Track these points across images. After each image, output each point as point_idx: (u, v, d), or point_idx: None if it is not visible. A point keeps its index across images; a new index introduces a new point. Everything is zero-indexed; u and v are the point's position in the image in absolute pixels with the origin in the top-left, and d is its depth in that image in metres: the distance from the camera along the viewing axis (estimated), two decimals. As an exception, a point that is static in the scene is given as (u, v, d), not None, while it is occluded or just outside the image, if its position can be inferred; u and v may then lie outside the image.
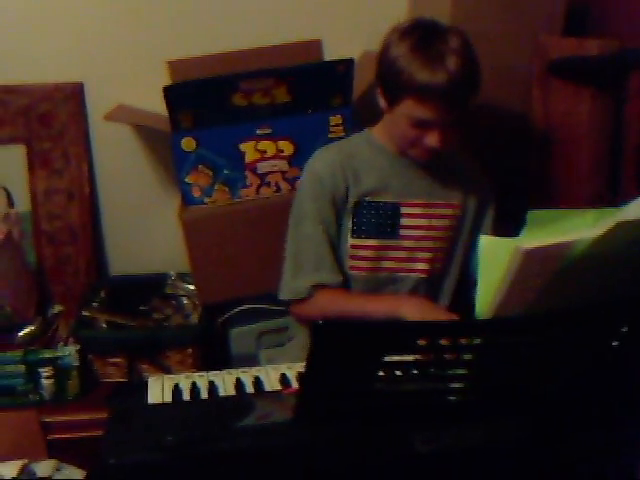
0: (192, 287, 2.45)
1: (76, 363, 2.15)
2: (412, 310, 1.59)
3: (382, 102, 1.76)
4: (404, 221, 1.82)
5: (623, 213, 1.06)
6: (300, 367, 1.54)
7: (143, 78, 2.40)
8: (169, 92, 2.02)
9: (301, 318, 1.87)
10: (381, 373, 1.09)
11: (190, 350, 2.23)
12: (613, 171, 2.12)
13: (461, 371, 1.15)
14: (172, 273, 2.51)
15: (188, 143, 2.12)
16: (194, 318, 2.37)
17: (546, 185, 2.22)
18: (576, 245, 1.00)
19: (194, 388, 1.46)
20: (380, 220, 1.80)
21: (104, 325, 2.28)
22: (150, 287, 2.48)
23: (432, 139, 1.68)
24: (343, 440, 1.15)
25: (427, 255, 1.84)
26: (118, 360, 2.22)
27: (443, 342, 1.07)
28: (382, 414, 1.17)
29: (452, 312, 1.61)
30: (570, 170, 2.17)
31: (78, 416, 2.12)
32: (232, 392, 1.45)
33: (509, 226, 1.87)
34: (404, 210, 1.81)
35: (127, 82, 2.43)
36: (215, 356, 2.32)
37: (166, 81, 2.21)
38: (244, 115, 2.11)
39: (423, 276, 1.84)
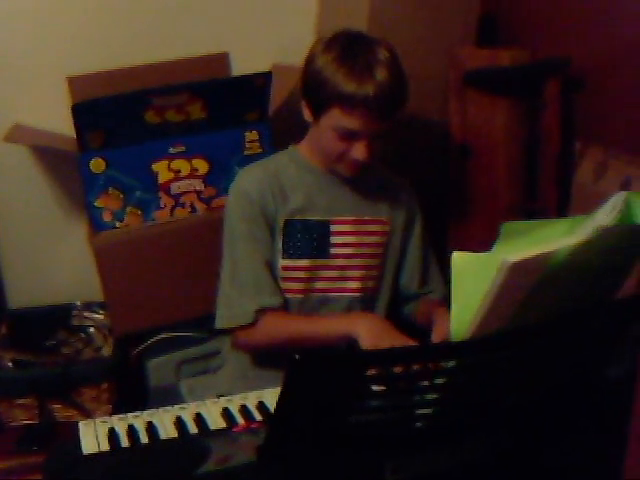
0: (100, 317, 2.34)
1: (-20, 408, 1.98)
2: (366, 330, 1.52)
3: (307, 115, 1.70)
4: (334, 239, 1.76)
5: (596, 219, 1.03)
6: (240, 399, 1.46)
7: (41, 96, 2.26)
8: (77, 110, 1.89)
9: (247, 345, 1.77)
10: (356, 404, 1.02)
11: (105, 385, 2.10)
12: (530, 179, 2.14)
13: (431, 396, 1.10)
14: (77, 303, 2.37)
15: (97, 164, 1.99)
16: (106, 350, 2.23)
17: (465, 194, 2.21)
18: (557, 254, 0.97)
19: (131, 431, 1.35)
20: (310, 239, 1.74)
21: (9, 364, 2.12)
22: (55, 319, 2.34)
23: (359, 152, 1.63)
24: (315, 476, 1.07)
25: (359, 273, 1.78)
26: (27, 401, 2.07)
27: (418, 367, 1.02)
28: (351, 446, 1.11)
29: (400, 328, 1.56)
30: (488, 179, 2.17)
31: (-16, 466, 1.95)
32: (173, 433, 1.34)
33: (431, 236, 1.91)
34: (334, 228, 1.76)
35: (24, 100, 2.27)
36: (132, 390, 2.18)
37: (65, 98, 2.09)
38: (157, 133, 2.01)
39: (356, 295, 1.79)
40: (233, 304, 1.71)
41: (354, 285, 1.78)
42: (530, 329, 1.01)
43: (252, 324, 1.69)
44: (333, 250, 1.75)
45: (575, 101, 2.04)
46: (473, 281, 1.01)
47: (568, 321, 1.04)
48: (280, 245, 1.73)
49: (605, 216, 1.03)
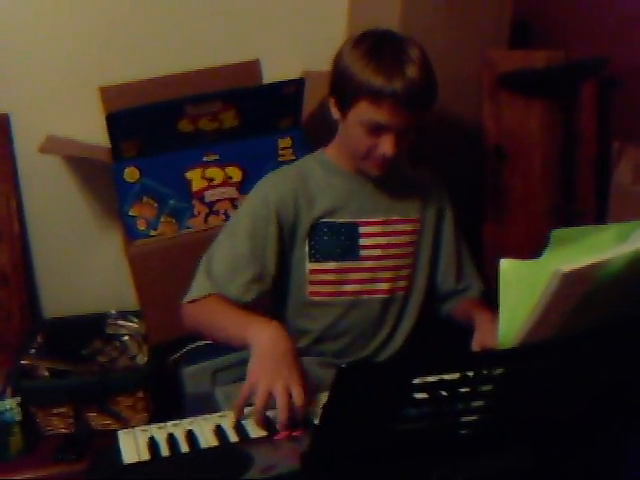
0: (135, 325, 2.34)
1: (18, 417, 1.99)
2: (257, 352, 1.44)
3: (335, 112, 1.68)
4: (363, 241, 1.74)
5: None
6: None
7: (73, 107, 2.28)
8: (112, 120, 1.90)
9: (181, 318, 1.69)
10: (402, 412, 1.01)
11: (141, 394, 2.10)
12: (567, 181, 2.12)
13: (477, 403, 1.08)
14: (112, 312, 2.37)
15: (131, 173, 2.00)
16: (141, 359, 2.24)
17: (501, 197, 2.19)
18: (611, 263, 0.94)
19: (171, 440, 1.34)
20: (338, 242, 1.72)
21: (45, 373, 2.12)
22: (90, 329, 2.34)
23: (386, 146, 1.61)
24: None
25: (389, 274, 1.77)
26: (63, 410, 2.07)
27: (466, 375, 1.00)
28: (397, 454, 1.09)
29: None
30: (524, 182, 2.14)
31: (23, 475, 1.97)
32: (214, 441, 1.33)
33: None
34: (362, 230, 1.74)
35: (56, 111, 2.29)
36: (168, 398, 2.18)
37: (98, 109, 2.10)
38: (190, 142, 2.02)
39: (386, 296, 1.77)
40: (199, 283, 1.66)
41: (385, 286, 1.77)
42: (578, 337, 0.99)
43: (195, 301, 1.64)
44: (362, 252, 1.74)
45: (612, 101, 2.01)
46: (522, 289, 0.99)
47: (616, 329, 1.02)
48: (307, 249, 1.71)
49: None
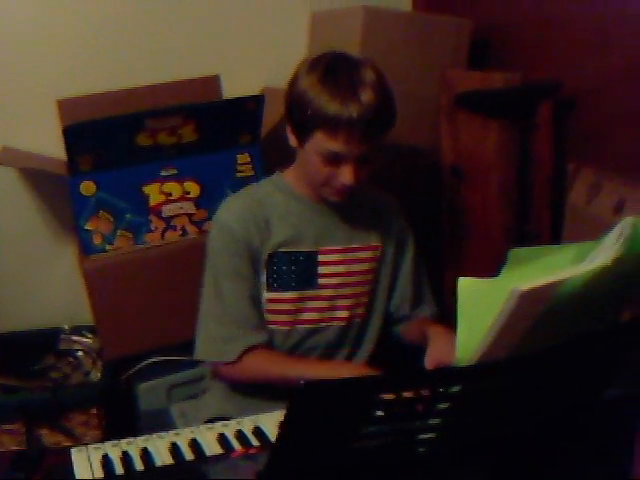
0: (89, 341, 2.30)
1: (-33, 435, 1.94)
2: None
3: (292, 140, 1.65)
4: (322, 269, 1.72)
5: (604, 246, 1.02)
6: (236, 424, 1.44)
7: (30, 119, 2.25)
8: (69, 133, 1.87)
9: (227, 379, 1.74)
10: (360, 430, 1.01)
11: (94, 410, 2.07)
12: (522, 201, 2.14)
13: (434, 421, 1.08)
14: (65, 327, 2.34)
15: (87, 187, 1.98)
16: (95, 375, 2.20)
17: (459, 216, 2.21)
18: (567, 283, 0.95)
19: (126, 458, 1.32)
20: (297, 271, 1.70)
21: (-4, 389, 2.07)
22: (42, 344, 2.29)
23: (345, 176, 1.58)
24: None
25: (347, 302, 1.75)
26: (14, 427, 2.03)
27: (424, 393, 1.00)
28: (354, 472, 1.09)
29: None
30: (481, 201, 2.17)
31: (-30, 494, 1.92)
32: (168, 459, 1.32)
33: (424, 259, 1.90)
34: (321, 258, 1.72)
35: (12, 123, 2.26)
36: (122, 415, 2.15)
37: (55, 121, 2.07)
38: (148, 156, 2.00)
39: (343, 324, 1.76)
40: (219, 340, 1.67)
41: (343, 314, 1.75)
42: (534, 355, 1.00)
43: (236, 361, 1.66)
44: (321, 280, 1.72)
45: (567, 123, 2.04)
46: (479, 307, 1.00)
47: (571, 347, 1.03)
48: (264, 278, 1.69)
49: (613, 243, 1.02)
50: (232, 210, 1.70)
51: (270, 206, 1.70)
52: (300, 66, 1.63)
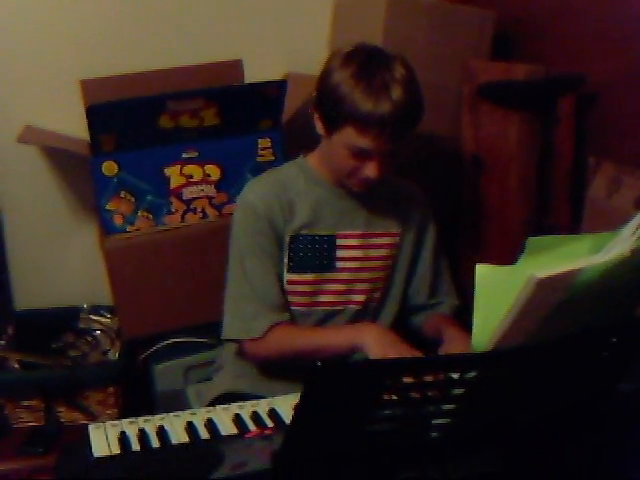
0: (108, 320, 2.32)
1: (-14, 409, 1.97)
2: (373, 340, 1.52)
3: (320, 128, 1.67)
4: (340, 253, 1.74)
5: (622, 237, 1.03)
6: (251, 406, 1.46)
7: (54, 98, 2.27)
8: (92, 112, 1.89)
9: (255, 357, 1.75)
10: (374, 413, 1.02)
11: (111, 389, 2.09)
12: (542, 194, 2.14)
13: (448, 406, 1.10)
14: (85, 306, 2.35)
15: (109, 167, 1.99)
16: (113, 354, 2.22)
17: (478, 207, 2.21)
18: (585, 272, 0.96)
19: (142, 435, 1.34)
20: (316, 253, 1.72)
21: (15, 365, 2.10)
22: (61, 322, 2.31)
23: (371, 170, 1.61)
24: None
25: (364, 286, 1.77)
26: (33, 403, 2.05)
27: (440, 377, 1.02)
28: (367, 455, 1.10)
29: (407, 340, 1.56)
30: (500, 192, 2.17)
31: (-10, 466, 1.95)
32: (185, 438, 1.34)
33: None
34: (340, 242, 1.74)
35: (36, 102, 2.27)
36: (138, 395, 2.18)
37: (78, 101, 2.09)
38: (170, 138, 2.01)
39: (359, 307, 1.78)
40: (246, 317, 1.70)
41: (359, 298, 1.77)
42: (550, 344, 1.01)
43: (262, 337, 1.68)
44: (339, 264, 1.74)
45: (589, 117, 2.04)
46: (496, 293, 1.01)
47: (587, 337, 1.04)
48: (286, 260, 1.72)
49: (630, 234, 1.02)
50: (256, 190, 1.73)
51: (293, 188, 1.73)
52: (332, 58, 1.64)
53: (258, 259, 1.69)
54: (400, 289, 1.84)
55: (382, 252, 1.79)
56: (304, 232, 1.71)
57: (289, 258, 1.72)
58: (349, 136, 1.58)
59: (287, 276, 1.72)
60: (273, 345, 1.69)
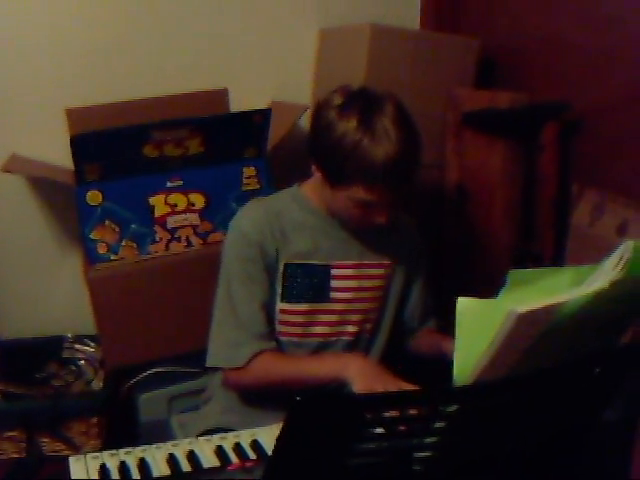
0: (92, 350, 2.30)
1: (-33, 441, 1.95)
2: (358, 373, 1.51)
3: (317, 176, 1.64)
4: (335, 283, 1.72)
5: (604, 269, 1.03)
6: (233, 437, 1.45)
7: (38, 127, 2.26)
8: (76, 142, 1.88)
9: (237, 385, 1.74)
10: (356, 446, 1.01)
11: (95, 419, 2.07)
12: (526, 221, 2.15)
13: (430, 439, 1.09)
14: (69, 335, 2.34)
15: (93, 196, 1.99)
16: (97, 384, 2.20)
17: (462, 235, 2.21)
18: (565, 306, 0.96)
19: (123, 468, 1.32)
20: (310, 283, 1.71)
21: (-3, 396, 2.08)
22: (45, 352, 2.30)
23: (379, 218, 1.60)
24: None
25: (357, 317, 1.76)
26: (14, 434, 2.03)
27: (419, 411, 1.01)
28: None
29: (392, 371, 1.55)
30: (485, 219, 2.18)
31: (-31, 500, 1.92)
32: (165, 470, 1.32)
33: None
34: (335, 272, 1.72)
35: (21, 131, 2.27)
36: (122, 424, 2.15)
37: (63, 130, 2.09)
38: (154, 167, 2.01)
39: (352, 338, 1.76)
40: (229, 345, 1.68)
41: (352, 329, 1.76)
42: (531, 376, 1.00)
43: (244, 367, 1.66)
44: (333, 294, 1.72)
45: (572, 144, 2.05)
46: (477, 327, 1.00)
47: (567, 368, 1.03)
48: (279, 289, 1.69)
49: (613, 266, 1.02)
50: (249, 216, 1.71)
51: (287, 217, 1.71)
52: (326, 110, 1.58)
53: (245, 286, 1.68)
54: (391, 319, 1.82)
55: (375, 283, 1.77)
56: (298, 261, 1.69)
57: (283, 287, 1.70)
58: (357, 192, 1.56)
59: (280, 305, 1.70)
60: (256, 374, 1.67)
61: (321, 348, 1.74)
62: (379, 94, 1.59)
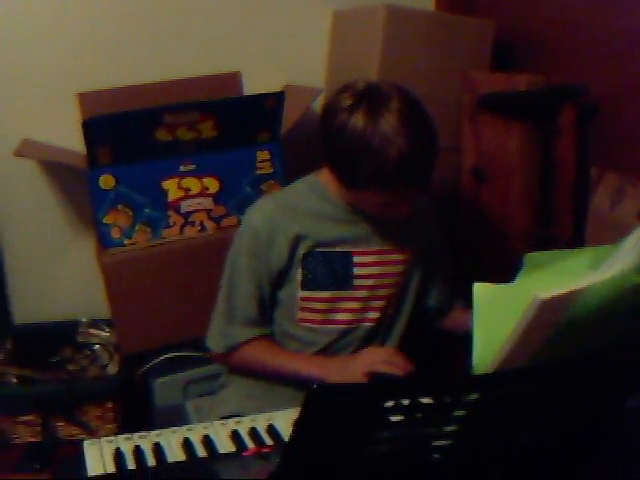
0: (107, 334, 2.31)
1: (-17, 425, 1.96)
2: (338, 378, 1.55)
3: (334, 177, 1.62)
4: (357, 270, 1.70)
5: (622, 251, 1.00)
6: (249, 422, 1.44)
7: (51, 111, 2.26)
8: (88, 126, 1.87)
9: (223, 364, 1.82)
10: (373, 435, 1.00)
11: (110, 404, 2.09)
12: (544, 205, 2.12)
13: (451, 428, 1.07)
14: (83, 320, 2.34)
15: (106, 180, 1.98)
16: (111, 369, 2.21)
17: (479, 218, 2.19)
18: (589, 291, 0.93)
19: (138, 452, 1.32)
20: (332, 271, 1.69)
21: (14, 380, 2.09)
22: (60, 336, 2.31)
23: (402, 209, 1.59)
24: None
25: (380, 304, 1.74)
26: (30, 418, 2.05)
27: (440, 399, 0.99)
28: (367, 477, 1.08)
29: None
30: (502, 203, 2.15)
31: (-15, 483, 1.93)
32: (181, 454, 1.32)
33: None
34: (357, 259, 1.70)
35: (33, 116, 2.26)
36: (137, 409, 2.16)
37: (75, 114, 2.08)
38: (167, 151, 1.99)
39: (373, 325, 1.75)
40: (220, 331, 1.73)
41: (374, 315, 1.74)
42: (553, 364, 0.98)
43: (233, 351, 1.72)
44: (356, 282, 1.71)
45: (591, 128, 2.02)
46: (496, 313, 0.99)
47: (591, 357, 1.01)
48: (299, 277, 1.68)
49: (631, 247, 1.00)
50: (261, 212, 1.70)
51: (305, 208, 1.68)
52: (335, 111, 1.54)
53: (246, 280, 1.68)
54: (412, 304, 1.81)
55: (397, 268, 1.75)
56: (319, 249, 1.68)
57: (303, 275, 1.68)
58: (374, 195, 1.55)
59: (301, 293, 1.69)
60: (238, 362, 1.74)
61: (341, 335, 1.73)
62: (385, 90, 1.52)
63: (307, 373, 1.62)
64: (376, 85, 1.55)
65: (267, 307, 1.72)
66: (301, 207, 1.69)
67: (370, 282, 1.72)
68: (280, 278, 1.70)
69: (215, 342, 1.75)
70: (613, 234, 1.76)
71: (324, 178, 1.70)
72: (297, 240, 1.66)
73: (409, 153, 1.47)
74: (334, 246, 1.69)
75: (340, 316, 1.72)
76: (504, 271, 1.28)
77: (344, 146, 1.52)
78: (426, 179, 1.56)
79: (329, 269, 1.69)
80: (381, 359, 1.57)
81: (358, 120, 1.49)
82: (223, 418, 1.57)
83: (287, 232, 1.66)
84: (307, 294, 1.69)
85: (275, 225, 1.66)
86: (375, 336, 1.76)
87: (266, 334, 1.73)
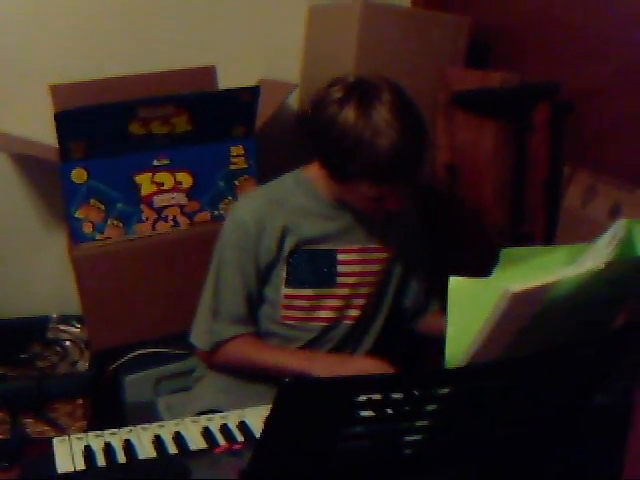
0: (77, 330, 2.29)
1: (-50, 422, 1.93)
2: (322, 371, 1.54)
3: (323, 170, 1.61)
4: (340, 268, 1.71)
5: (597, 248, 1.01)
6: (221, 419, 1.43)
7: (23, 104, 2.23)
8: (61, 119, 1.84)
9: (207, 362, 1.78)
10: (345, 431, 0.99)
11: (80, 401, 2.07)
12: (517, 202, 2.13)
13: (422, 423, 1.07)
14: (54, 316, 2.32)
15: (79, 174, 1.95)
16: (82, 365, 2.18)
17: (453, 215, 2.19)
18: (560, 285, 0.94)
19: (108, 450, 1.30)
20: (316, 269, 1.69)
21: (-19, 377, 2.05)
22: (29, 332, 2.28)
23: (393, 204, 1.59)
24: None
25: (361, 302, 1.75)
26: (-1, 415, 2.01)
27: (410, 394, 0.99)
28: (339, 473, 1.07)
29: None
30: (475, 200, 2.15)
31: (-48, 481, 1.90)
32: (152, 451, 1.31)
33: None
34: (340, 257, 1.70)
35: (4, 108, 2.23)
36: (108, 406, 2.14)
37: (47, 107, 2.06)
38: (141, 145, 1.97)
39: (353, 323, 1.75)
40: (206, 328, 1.71)
41: (355, 313, 1.75)
42: (525, 358, 0.99)
43: (215, 350, 1.71)
44: (339, 279, 1.71)
45: (564, 125, 2.03)
46: (470, 307, 0.99)
47: (562, 352, 1.02)
48: (284, 274, 1.68)
49: (606, 245, 1.00)
50: (249, 205, 1.69)
51: (291, 204, 1.68)
52: (325, 104, 1.53)
53: (233, 274, 1.67)
54: (389, 302, 1.81)
55: (379, 267, 1.76)
56: (304, 247, 1.68)
57: (288, 272, 1.68)
58: (365, 188, 1.55)
59: (284, 290, 1.69)
60: (225, 359, 1.71)
61: (324, 332, 1.73)
62: (376, 82, 1.53)
63: (292, 367, 1.61)
64: (366, 78, 1.55)
65: (254, 305, 1.71)
66: (287, 201, 1.68)
67: (352, 280, 1.72)
68: (267, 273, 1.69)
69: (200, 339, 1.73)
70: (584, 232, 1.77)
71: (310, 173, 1.70)
72: (284, 233, 1.66)
73: (401, 145, 1.47)
74: (318, 243, 1.68)
75: (322, 314, 1.72)
76: (479, 265, 1.28)
77: (335, 139, 1.51)
78: (417, 171, 1.56)
79: (313, 267, 1.68)
80: (376, 369, 1.52)
81: (349, 113, 1.49)
82: (199, 414, 1.57)
83: (274, 225, 1.65)
84: (291, 292, 1.69)
85: (263, 218, 1.65)
86: (352, 335, 1.76)
87: (252, 332, 1.71)
